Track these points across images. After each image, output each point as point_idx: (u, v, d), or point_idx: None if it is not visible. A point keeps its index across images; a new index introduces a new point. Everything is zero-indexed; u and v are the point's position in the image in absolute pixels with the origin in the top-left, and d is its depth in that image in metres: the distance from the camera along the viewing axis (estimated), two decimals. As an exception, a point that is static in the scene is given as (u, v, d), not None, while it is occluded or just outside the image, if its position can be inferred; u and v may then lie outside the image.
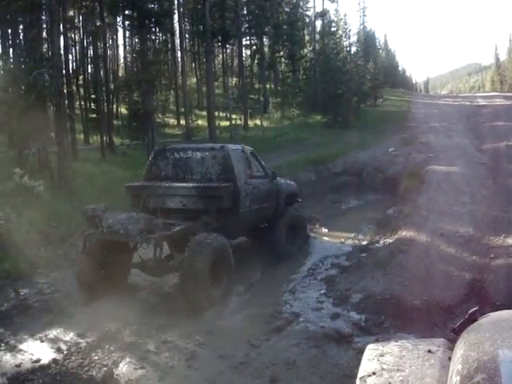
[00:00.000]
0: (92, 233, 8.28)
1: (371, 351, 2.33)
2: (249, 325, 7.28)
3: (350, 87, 33.52)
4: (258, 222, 10.21)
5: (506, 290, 7.69)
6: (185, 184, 9.05)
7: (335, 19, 50.12)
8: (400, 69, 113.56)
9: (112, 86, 29.60)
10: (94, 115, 25.09)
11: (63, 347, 6.71)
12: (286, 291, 8.62)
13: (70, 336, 7.02)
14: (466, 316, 2.10)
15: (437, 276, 8.45)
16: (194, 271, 7.50)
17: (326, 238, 12.34)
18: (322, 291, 8.43)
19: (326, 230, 13.09)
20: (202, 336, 6.88)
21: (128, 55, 39.54)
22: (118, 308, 7.80)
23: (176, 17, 35.04)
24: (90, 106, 27.74)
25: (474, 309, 2.11)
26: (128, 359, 6.32)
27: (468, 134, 24.12)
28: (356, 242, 11.49)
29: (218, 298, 7.96)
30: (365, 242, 11.26)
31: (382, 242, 10.81)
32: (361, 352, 2.47)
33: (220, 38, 35.90)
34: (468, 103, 44.82)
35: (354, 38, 55.92)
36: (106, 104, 24.88)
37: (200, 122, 34.02)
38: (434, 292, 7.84)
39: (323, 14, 44.94)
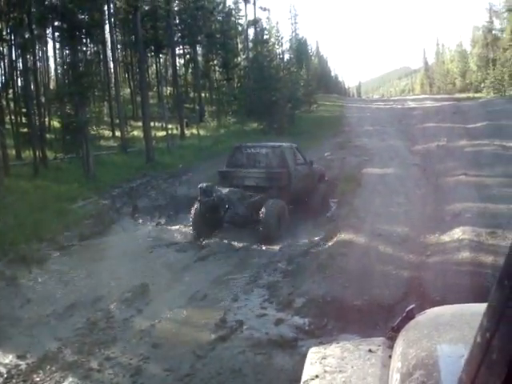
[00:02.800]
0: (206, 200, 13.05)
1: (313, 354, 2.35)
2: (193, 335, 7.19)
3: (284, 94, 33.88)
4: (302, 193, 14.21)
5: (443, 286, 7.92)
6: (257, 170, 13.68)
7: (267, 27, 50.80)
8: (333, 74, 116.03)
9: (43, 99, 28.82)
10: (26, 129, 24.23)
11: (2, 370, 6.43)
12: (229, 299, 8.56)
13: (9, 358, 6.74)
14: (404, 314, 2.12)
15: (376, 276, 8.63)
16: (269, 220, 12.17)
17: (265, 246, 12.35)
18: (266, 297, 8.43)
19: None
20: (146, 350, 6.76)
21: (59, 67, 38.54)
22: (58, 327, 7.57)
23: (107, 27, 34.51)
24: (21, 119, 26.82)
25: (411, 306, 2.14)
26: (70, 379, 6.12)
27: (400, 136, 24.87)
28: (296, 246, 11.54)
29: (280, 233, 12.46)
30: (305, 246, 11.34)
31: (321, 246, 10.95)
32: (305, 356, 2.46)
33: (153, 47, 35.44)
34: (399, 106, 46.24)
35: (286, 46, 56.73)
36: (37, 117, 24.09)
37: (136, 132, 33.62)
38: (373, 292, 7.99)
39: (255, 22, 45.33)
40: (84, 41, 25.63)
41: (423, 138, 23.21)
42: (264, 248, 11.89)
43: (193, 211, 13.51)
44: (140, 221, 16.14)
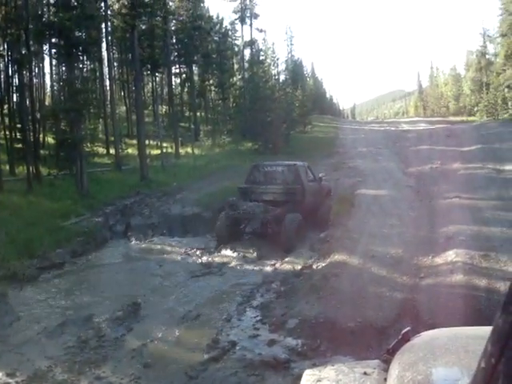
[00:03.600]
0: (232, 213, 14.33)
1: (309, 376, 2.34)
2: (186, 355, 7.13)
3: (279, 114, 33.95)
4: (313, 206, 15.33)
5: (436, 309, 7.90)
6: (274, 186, 15.03)
7: (263, 48, 51.18)
8: (328, 96, 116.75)
9: (38, 115, 28.79)
10: (20, 145, 24.15)
11: (-10, 389, 6.36)
12: (222, 319, 8.51)
13: (-2, 376, 6.66)
14: (400, 336, 2.11)
15: (369, 297, 8.60)
16: (289, 231, 13.42)
17: (259, 264, 12.32)
18: (258, 318, 8.40)
19: (256, 255, 13.07)
20: (137, 370, 6.69)
21: (55, 84, 38.66)
22: (48, 345, 7.49)
23: (104, 45, 34.68)
24: (16, 135, 26.78)
25: (406, 329, 2.13)
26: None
27: (394, 158, 24.97)
28: (290, 266, 11.53)
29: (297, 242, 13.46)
30: (299, 267, 11.33)
31: (315, 266, 10.94)
32: (298, 377, 2.44)
33: (149, 66, 35.59)
34: (393, 128, 46.49)
35: (282, 67, 57.14)
36: (32, 133, 24.04)
37: (130, 150, 33.62)
38: (367, 313, 7.96)
39: (252, 43, 45.71)
40: (81, 58, 25.72)
41: (417, 160, 23.30)
42: (257, 268, 11.86)
43: (218, 223, 14.66)
44: (133, 239, 16.10)
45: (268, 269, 11.74)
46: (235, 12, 44.26)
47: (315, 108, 62.33)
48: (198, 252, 13.85)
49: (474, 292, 8.22)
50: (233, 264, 12.43)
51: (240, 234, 15.02)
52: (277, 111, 33.90)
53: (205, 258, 13.08)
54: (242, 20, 43.92)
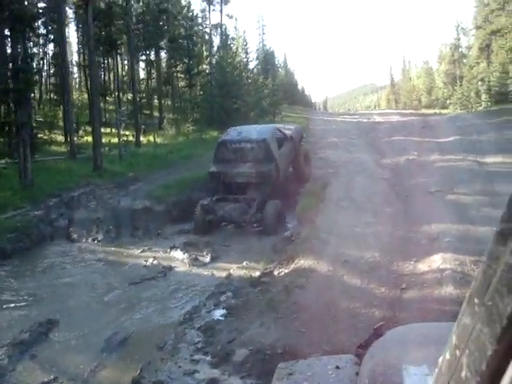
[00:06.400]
0: (210, 218, 13.62)
1: (281, 370, 2.40)
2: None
3: (247, 102, 32.23)
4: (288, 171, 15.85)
5: (422, 331, 6.22)
6: (246, 167, 14.13)
7: (235, 36, 49.13)
8: (299, 87, 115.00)
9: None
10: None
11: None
12: (153, 346, 6.68)
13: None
14: (372, 331, 2.11)
15: (341, 316, 6.88)
16: (270, 220, 13.02)
17: (212, 268, 10.53)
18: (199, 345, 6.55)
19: (210, 259, 11.27)
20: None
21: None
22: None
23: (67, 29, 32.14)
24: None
25: (379, 324, 2.28)
26: None
27: (367, 149, 23.34)
28: (247, 272, 9.71)
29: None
30: (257, 273, 9.51)
31: (276, 273, 9.12)
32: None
33: (107, 47, 33.22)
34: (365, 120, 44.97)
35: (253, 55, 55.25)
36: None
37: (90, 138, 31.45)
38: (337, 338, 6.25)
39: (219, 27, 43.68)
40: (28, 35, 23.46)
41: (392, 152, 21.67)
42: (209, 273, 10.07)
43: (196, 212, 13.91)
44: (74, 236, 14.19)
45: (221, 274, 9.93)
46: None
47: (286, 98, 60.40)
48: (143, 253, 12.01)
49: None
50: (181, 268, 10.62)
51: (218, 221, 14.08)
52: (245, 98, 32.12)
53: (150, 261, 11.22)
54: (210, 2, 41.78)
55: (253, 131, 15.41)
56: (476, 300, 0.79)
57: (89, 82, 42.45)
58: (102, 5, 31.66)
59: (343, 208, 12.87)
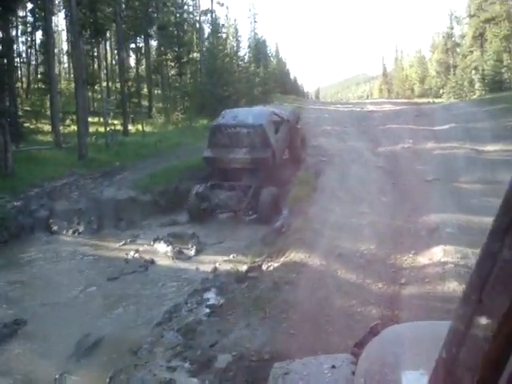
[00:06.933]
0: (204, 206, 13.29)
1: (277, 370, 2.32)
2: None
3: (238, 89, 31.44)
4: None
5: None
6: (241, 152, 13.75)
7: (226, 25, 48.25)
8: (291, 77, 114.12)
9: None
10: None
11: None
12: (127, 351, 6.00)
13: None
14: (368, 330, 2.07)
15: (335, 316, 6.24)
16: (265, 207, 12.66)
17: (197, 262, 9.86)
18: (178, 349, 5.83)
19: (195, 252, 10.61)
20: None
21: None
22: None
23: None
24: None
25: (375, 322, 2.11)
26: None
27: (362, 137, 22.64)
28: (234, 266, 9.02)
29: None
30: (245, 267, 8.81)
31: (265, 268, 8.43)
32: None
33: (94, 33, 32.19)
34: (358, 109, 44.19)
35: (245, 44, 54.41)
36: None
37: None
38: (331, 341, 5.61)
39: (209, 12, 42.75)
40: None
41: (386, 140, 20.98)
42: (193, 267, 9.40)
43: (189, 200, 13.59)
44: (55, 227, 13.50)
45: (206, 269, 9.24)
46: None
47: (278, 87, 59.59)
48: (125, 245, 11.33)
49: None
50: (164, 262, 9.96)
51: (213, 209, 13.76)
52: (235, 86, 31.34)
53: (132, 254, 10.53)
54: (200, -13, 40.89)
55: (249, 115, 14.86)
56: (473, 297, 0.77)
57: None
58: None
59: (337, 197, 12.21)
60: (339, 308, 6.45)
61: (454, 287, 6.71)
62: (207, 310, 7.03)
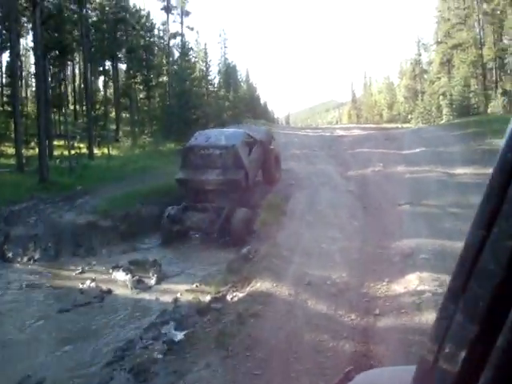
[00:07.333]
0: (177, 229, 13.20)
1: None
2: None
3: (207, 113, 30.99)
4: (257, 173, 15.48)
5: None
6: (214, 174, 13.52)
7: (196, 49, 48.00)
8: (262, 102, 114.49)
9: None
10: None
11: None
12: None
13: None
14: (342, 375, 1.53)
15: (304, 353, 5.66)
16: (238, 228, 12.48)
17: (157, 292, 9.20)
18: (128, 394, 5.23)
19: (156, 281, 9.96)
20: None
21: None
22: None
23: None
24: None
25: (349, 368, 1.51)
26: None
27: (331, 161, 22.31)
28: (196, 297, 8.38)
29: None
30: (208, 297, 8.18)
31: (229, 298, 7.80)
32: None
33: (58, 54, 31.47)
34: (328, 134, 44.14)
35: (215, 69, 54.20)
36: None
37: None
38: (301, 383, 5.02)
39: (178, 35, 42.43)
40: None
41: (356, 164, 20.68)
42: (152, 298, 8.73)
43: (163, 221, 13.45)
44: (9, 254, 12.73)
45: (167, 299, 8.59)
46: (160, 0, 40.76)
47: (248, 112, 59.48)
48: (82, 274, 10.61)
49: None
50: (121, 292, 9.30)
51: (186, 231, 13.75)
52: (204, 109, 30.90)
53: (88, 283, 9.81)
54: (168, 10, 40.46)
55: (222, 136, 14.72)
56: (433, 342, 0.75)
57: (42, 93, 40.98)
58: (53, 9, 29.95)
59: (307, 222, 11.71)
60: (309, 343, 5.87)
61: (433, 318, 6.20)
62: (164, 347, 6.35)
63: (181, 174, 14.31)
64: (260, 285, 7.71)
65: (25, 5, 24.74)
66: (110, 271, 10.58)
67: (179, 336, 6.57)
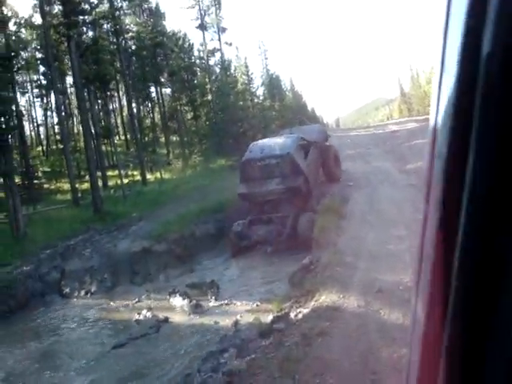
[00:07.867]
0: (245, 244, 13.16)
1: None
2: None
3: (253, 124, 30.50)
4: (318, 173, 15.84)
5: None
6: (274, 183, 13.35)
7: (236, 64, 47.95)
8: (309, 108, 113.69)
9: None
10: None
11: None
12: None
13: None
14: None
15: (383, 373, 4.87)
16: (305, 234, 11.99)
17: (215, 317, 8.57)
18: None
19: (218, 302, 9.35)
20: None
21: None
22: None
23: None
24: None
25: None
26: None
27: (387, 157, 21.34)
28: (258, 317, 7.69)
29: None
30: (270, 317, 7.45)
31: (293, 315, 7.06)
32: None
33: (98, 84, 31.72)
34: (380, 131, 43.06)
35: (258, 81, 54.00)
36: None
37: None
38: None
39: (215, 52, 42.41)
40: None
41: (414, 156, 19.58)
42: (211, 323, 8.11)
43: (230, 236, 13.45)
44: (66, 290, 12.48)
45: (226, 323, 7.95)
46: (194, 19, 40.78)
47: (297, 119, 59.01)
48: (138, 303, 10.15)
49: None
50: (179, 318, 8.76)
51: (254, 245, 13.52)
52: (250, 121, 30.45)
53: (144, 313, 9.32)
54: (203, 27, 40.44)
55: (275, 145, 14.54)
56: None
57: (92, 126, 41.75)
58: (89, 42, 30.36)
59: (369, 223, 10.87)
60: (388, 361, 5.08)
61: None
62: (223, 379, 5.69)
63: (241, 188, 14.22)
64: (325, 298, 6.95)
65: (59, 40, 24.84)
66: (167, 297, 10.08)
67: (240, 366, 5.89)
